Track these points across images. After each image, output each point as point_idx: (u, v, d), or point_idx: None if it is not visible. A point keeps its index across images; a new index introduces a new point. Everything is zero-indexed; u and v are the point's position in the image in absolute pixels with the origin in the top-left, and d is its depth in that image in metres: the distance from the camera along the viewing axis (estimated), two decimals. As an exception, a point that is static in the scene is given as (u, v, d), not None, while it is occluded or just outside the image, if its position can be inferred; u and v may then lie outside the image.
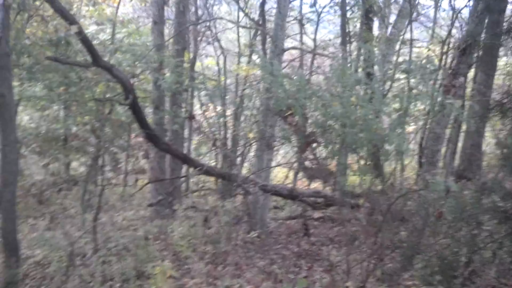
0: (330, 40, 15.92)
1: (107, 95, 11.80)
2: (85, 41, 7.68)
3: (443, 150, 10.76)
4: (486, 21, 8.50)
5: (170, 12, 14.80)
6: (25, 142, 14.74)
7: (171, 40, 12.79)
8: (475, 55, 9.67)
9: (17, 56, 9.21)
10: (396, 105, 6.71)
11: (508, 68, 13.45)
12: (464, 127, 11.80)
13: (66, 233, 7.83)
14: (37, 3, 9.65)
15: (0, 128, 7.13)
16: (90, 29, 13.26)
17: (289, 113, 6.67)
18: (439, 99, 6.78)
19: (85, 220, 11.35)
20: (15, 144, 7.49)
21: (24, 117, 17.46)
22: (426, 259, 6.16)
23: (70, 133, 14.14)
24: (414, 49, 14.16)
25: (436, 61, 11.26)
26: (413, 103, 6.40)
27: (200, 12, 15.30)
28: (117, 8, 15.68)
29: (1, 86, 7.10)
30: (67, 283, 6.84)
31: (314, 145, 7.01)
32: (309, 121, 7.00)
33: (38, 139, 14.55)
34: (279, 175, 16.89)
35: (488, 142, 13.82)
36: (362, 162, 6.66)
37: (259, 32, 14.99)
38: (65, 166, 17.36)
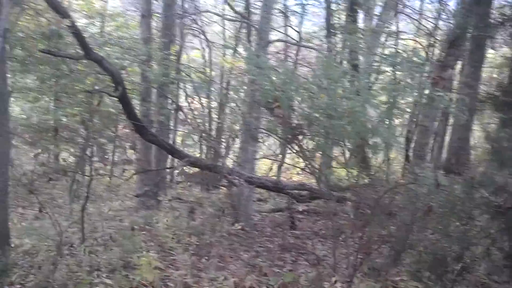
0: (315, 32, 15.47)
1: (96, 87, 11.56)
2: (77, 34, 7.60)
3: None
4: (474, 13, 8.10)
5: (157, 6, 14.38)
6: (17, 132, 14.33)
7: (158, 33, 12.50)
8: (463, 47, 9.28)
9: (10, 48, 8.89)
10: (383, 98, 6.38)
11: (497, 61, 13.02)
12: (451, 120, 11.44)
13: (55, 223, 7.43)
14: (30, -4, 9.28)
15: None
16: (80, 22, 12.78)
17: (275, 105, 6.25)
18: (426, 91, 6.42)
19: (73, 210, 11.04)
20: (8, 135, 7.19)
21: (15, 108, 17.06)
22: (415, 254, 5.76)
23: (60, 124, 13.70)
24: (400, 41, 13.80)
25: (423, 53, 10.89)
26: (400, 96, 6.03)
27: (186, 5, 14.88)
28: (107, 1, 15.35)
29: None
30: (55, 272, 6.47)
31: (300, 137, 6.57)
32: (296, 113, 6.59)
33: (30, 130, 14.13)
34: (263, 167, 16.61)
35: (476, 136, 13.45)
36: (348, 154, 6.30)
37: (244, 25, 14.63)
38: (54, 157, 17.00)
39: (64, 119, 13.60)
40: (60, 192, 14.32)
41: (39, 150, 15.47)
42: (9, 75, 10.03)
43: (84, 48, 7.80)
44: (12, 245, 7.57)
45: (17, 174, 15.13)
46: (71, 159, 15.81)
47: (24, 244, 8.05)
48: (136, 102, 12.20)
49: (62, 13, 7.38)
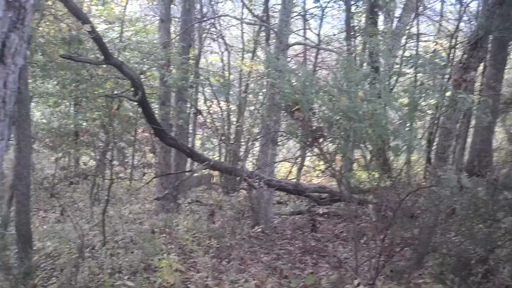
0: (334, 35, 15.39)
1: (116, 92, 11.61)
2: (97, 39, 7.65)
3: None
4: (497, 14, 7.99)
5: (176, 10, 14.41)
6: (38, 137, 14.45)
7: (177, 38, 12.48)
8: (486, 49, 9.17)
9: (31, 54, 8.97)
10: (405, 100, 6.31)
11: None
12: (473, 122, 11.30)
13: (76, 226, 7.48)
14: (49, 2, 9.32)
15: (16, 123, 6.93)
16: (99, 27, 12.88)
17: (295, 108, 6.20)
18: (448, 93, 6.34)
19: (94, 213, 11.11)
20: (29, 139, 7.41)
21: (36, 113, 17.20)
22: (438, 257, 5.68)
23: (81, 128, 13.81)
24: (421, 43, 13.60)
25: (444, 55, 10.76)
26: (422, 98, 5.96)
27: (205, 9, 14.90)
28: (125, 7, 15.40)
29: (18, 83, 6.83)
30: (77, 274, 6.52)
31: (321, 140, 6.52)
32: (316, 116, 6.54)
33: (50, 135, 14.24)
34: (282, 170, 16.55)
35: (498, 138, 13.29)
36: (369, 157, 6.24)
37: (263, 28, 14.60)
38: (75, 161, 17.12)
39: (84, 124, 13.73)
40: (80, 196, 14.42)
41: (60, 154, 15.63)
42: (29, 80, 10.16)
43: (104, 53, 7.86)
44: (35, 248, 7.67)
45: (38, 178, 15.34)
46: (92, 163, 15.95)
47: (46, 247, 8.19)
48: (155, 106, 12.26)
49: (83, 18, 7.42)
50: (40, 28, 9.67)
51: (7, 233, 8.05)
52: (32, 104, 13.68)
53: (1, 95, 1.63)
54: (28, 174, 7.36)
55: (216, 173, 13.02)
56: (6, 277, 5.98)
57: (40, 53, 9.91)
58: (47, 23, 10.15)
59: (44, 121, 15.84)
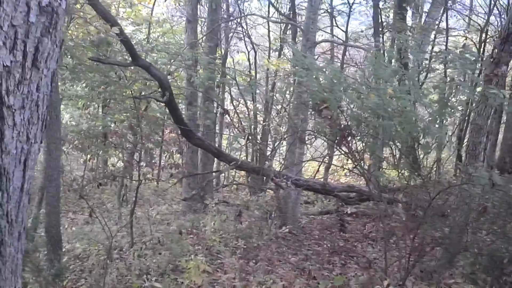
0: (362, 31, 15.29)
1: (143, 93, 11.71)
2: (125, 41, 7.72)
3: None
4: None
5: (203, 10, 14.46)
6: (67, 139, 14.64)
7: (204, 38, 12.50)
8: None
9: (61, 57, 9.05)
10: (435, 96, 6.24)
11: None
12: (505, 117, 11.11)
13: (104, 227, 7.57)
14: (78, 6, 9.43)
15: (46, 126, 6.94)
16: (127, 29, 12.98)
17: (323, 106, 6.17)
18: (479, 89, 6.26)
19: (122, 214, 11.21)
20: (59, 142, 7.51)
21: (65, 115, 17.43)
22: (470, 256, 5.60)
23: (109, 130, 13.95)
24: (450, 38, 13.36)
25: (474, 50, 10.62)
26: (453, 94, 5.90)
27: (231, 9, 14.92)
28: (152, 8, 15.49)
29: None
30: (106, 276, 6.52)
31: (349, 138, 6.49)
32: (344, 114, 6.51)
33: (79, 136, 14.40)
34: (310, 169, 16.50)
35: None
36: (399, 155, 6.19)
37: (289, 26, 14.57)
38: (103, 162, 17.31)
39: (113, 125, 13.84)
40: (109, 197, 14.58)
41: (89, 156, 15.81)
42: (59, 83, 10.31)
43: (132, 55, 7.90)
44: (64, 250, 7.77)
45: (68, 180, 15.55)
46: (120, 164, 16.11)
47: (75, 248, 8.27)
48: (182, 107, 12.32)
49: (111, 21, 7.45)
50: (69, 31, 9.78)
51: (37, 235, 8.18)
52: (62, 106, 13.85)
53: (34, 98, 1.67)
54: (58, 176, 7.45)
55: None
56: (36, 279, 6.05)
57: (69, 56, 10.05)
58: (76, 26, 10.27)
59: (73, 123, 16.03)
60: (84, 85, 12.55)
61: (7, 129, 1.57)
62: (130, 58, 8.18)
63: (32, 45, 1.58)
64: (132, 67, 10.04)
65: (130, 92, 11.31)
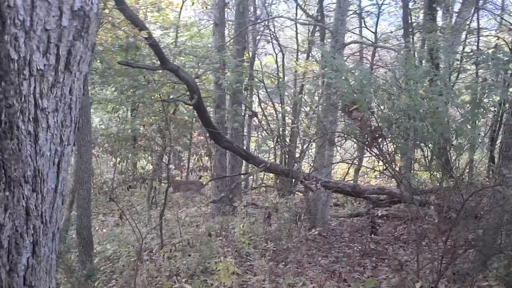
0: (391, 32, 15.17)
1: (172, 96, 11.81)
2: (154, 45, 7.77)
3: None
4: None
5: (230, 13, 14.51)
6: (98, 142, 14.84)
7: (231, 41, 12.54)
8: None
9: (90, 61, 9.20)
10: (466, 97, 6.17)
11: None
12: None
13: (134, 229, 7.66)
14: (107, 11, 9.56)
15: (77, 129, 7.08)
16: (155, 33, 13.12)
17: (353, 107, 6.15)
18: (511, 89, 6.16)
19: (151, 216, 11.31)
20: (90, 145, 7.65)
21: (95, 119, 17.68)
22: (504, 258, 5.51)
23: (138, 133, 14.11)
24: (482, 38, 13.18)
25: (506, 50, 10.46)
26: (485, 94, 5.81)
27: (258, 11, 14.94)
28: (180, 12, 15.60)
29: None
30: (136, 277, 6.61)
31: (380, 139, 6.45)
32: (374, 115, 6.48)
33: (109, 140, 14.59)
34: (340, 171, 16.43)
35: None
36: (430, 156, 6.14)
37: (317, 28, 14.53)
38: (132, 165, 17.49)
39: (142, 128, 13.98)
40: (138, 199, 14.71)
41: (118, 159, 16.00)
42: (89, 87, 10.48)
43: (160, 58, 7.96)
44: (95, 251, 7.90)
45: (98, 183, 15.78)
46: (149, 167, 16.28)
47: (106, 250, 8.41)
48: (210, 110, 12.38)
49: (139, 25, 7.54)
50: (98, 36, 9.92)
51: (69, 236, 8.32)
52: (91, 110, 14.06)
53: (67, 101, 1.70)
54: (89, 179, 7.59)
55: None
56: (68, 279, 6.15)
57: (99, 60, 10.19)
58: (105, 30, 10.41)
59: (103, 126, 16.25)
60: (113, 89, 12.72)
61: (41, 132, 1.60)
62: (158, 62, 8.25)
63: (64, 48, 1.61)
64: (160, 71, 10.13)
65: (159, 96, 11.42)
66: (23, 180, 1.57)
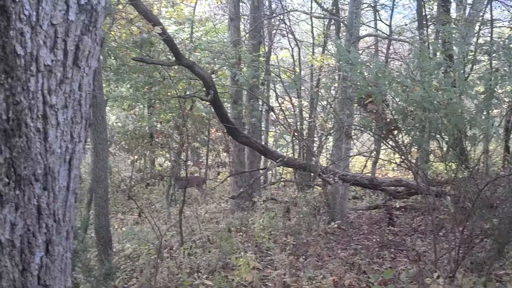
0: (406, 24, 15.05)
1: (188, 92, 11.77)
2: (168, 41, 7.78)
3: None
4: None
5: (245, 7, 14.47)
6: (114, 140, 14.88)
7: (247, 35, 12.52)
8: None
9: (104, 58, 9.21)
10: (480, 88, 6.11)
11: None
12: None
13: (154, 227, 7.67)
14: (120, 6, 9.56)
15: (92, 127, 7.11)
16: (170, 29, 13.12)
17: (369, 100, 6.12)
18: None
19: (170, 213, 11.32)
20: (106, 142, 7.54)
21: (112, 117, 17.73)
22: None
23: (155, 130, 14.13)
24: (495, 30, 13.03)
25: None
26: (498, 85, 5.76)
27: (274, 5, 14.90)
28: (195, 7, 15.59)
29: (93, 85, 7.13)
30: (156, 275, 6.60)
31: (396, 132, 6.41)
32: (390, 107, 6.43)
33: (126, 137, 14.62)
34: (357, 164, 16.35)
35: None
36: (446, 148, 6.09)
37: (333, 22, 14.46)
38: (150, 162, 17.51)
39: (158, 125, 13.99)
40: (157, 197, 14.73)
41: (136, 157, 16.02)
42: (104, 85, 10.49)
43: (175, 54, 7.95)
44: (114, 250, 7.90)
45: (116, 181, 15.82)
46: (167, 164, 16.29)
47: (125, 248, 8.40)
48: (227, 105, 12.37)
49: (153, 21, 7.51)
50: (112, 32, 9.93)
51: (87, 235, 8.35)
52: (107, 108, 14.10)
53: (77, 97, 1.69)
54: (106, 177, 7.54)
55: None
56: (87, 279, 6.16)
57: (113, 57, 10.17)
58: (119, 27, 10.41)
59: (119, 124, 16.30)
60: (128, 86, 12.72)
61: (50, 129, 1.60)
62: (173, 58, 8.23)
63: (72, 43, 1.60)
64: (175, 67, 10.12)
65: (175, 92, 11.40)
66: (33, 178, 1.57)
